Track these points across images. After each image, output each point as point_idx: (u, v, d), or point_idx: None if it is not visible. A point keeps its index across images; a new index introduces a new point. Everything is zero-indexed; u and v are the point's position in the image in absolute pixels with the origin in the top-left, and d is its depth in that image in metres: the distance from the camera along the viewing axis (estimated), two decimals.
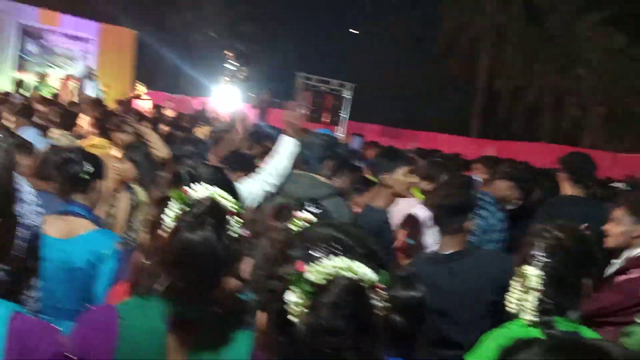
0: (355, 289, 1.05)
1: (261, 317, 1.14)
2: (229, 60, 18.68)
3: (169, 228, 1.50)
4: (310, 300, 1.04)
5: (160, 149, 3.92)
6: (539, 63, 24.74)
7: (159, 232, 1.52)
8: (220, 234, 1.49)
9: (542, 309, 2.04)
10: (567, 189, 4.51)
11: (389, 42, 26.93)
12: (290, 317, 1.05)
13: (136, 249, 1.71)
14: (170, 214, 1.51)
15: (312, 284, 1.05)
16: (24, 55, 16.83)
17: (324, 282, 1.05)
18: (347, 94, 18.13)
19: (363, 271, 1.06)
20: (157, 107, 14.33)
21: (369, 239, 1.16)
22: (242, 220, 1.57)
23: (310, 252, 1.09)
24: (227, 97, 17.25)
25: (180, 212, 1.50)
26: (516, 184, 4.95)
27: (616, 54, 23.33)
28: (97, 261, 2.75)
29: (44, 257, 2.02)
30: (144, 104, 14.99)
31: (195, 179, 1.60)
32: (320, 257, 1.07)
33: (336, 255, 1.08)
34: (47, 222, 2.67)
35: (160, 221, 1.52)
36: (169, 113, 13.44)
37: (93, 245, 2.77)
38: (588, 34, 23.67)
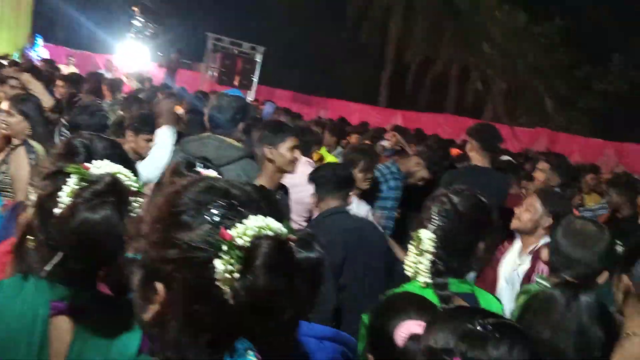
0: (280, 244, 1.03)
1: (160, 290, 1.05)
2: (135, 16, 17.87)
3: (65, 205, 1.39)
4: (242, 265, 0.99)
5: (46, 101, 3.73)
6: (447, 37, 25.42)
7: (53, 209, 1.41)
8: (121, 214, 1.41)
9: (435, 271, 2.10)
10: (476, 158, 4.70)
11: (302, 7, 26.71)
12: (219, 285, 0.99)
13: (23, 213, 1.59)
14: (67, 190, 1.40)
15: (240, 248, 1.00)
16: None
17: (249, 244, 1.01)
18: (258, 58, 17.90)
19: (277, 226, 1.05)
20: (49, 61, 11.86)
21: (261, 192, 1.13)
22: (142, 200, 1.49)
23: (215, 211, 1.05)
24: (133, 55, 16.56)
25: (79, 189, 1.40)
26: (426, 164, 5.24)
27: (518, 32, 24.36)
28: None
29: None
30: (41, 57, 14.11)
31: (90, 152, 1.51)
32: (234, 219, 1.04)
33: (247, 215, 1.04)
34: None
35: (54, 197, 1.41)
36: (71, 69, 12.70)
37: None
38: (493, 12, 24.52)
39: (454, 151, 7.96)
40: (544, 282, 2.40)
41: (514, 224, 3.59)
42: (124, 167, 1.49)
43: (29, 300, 1.43)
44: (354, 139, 7.92)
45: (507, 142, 12.99)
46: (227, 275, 0.99)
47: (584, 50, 22.85)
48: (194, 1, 24.27)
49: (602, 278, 2.44)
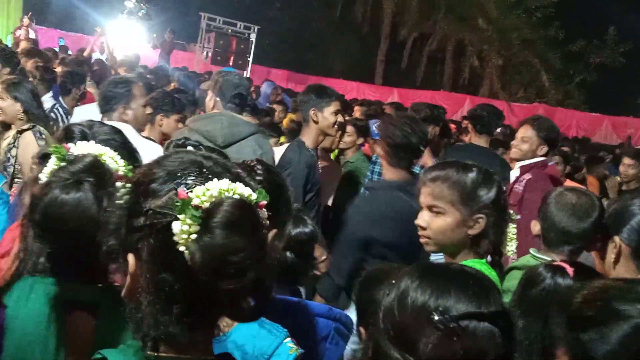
0: (245, 205, 1.02)
1: (130, 262, 1.05)
2: None
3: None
4: (199, 225, 0.98)
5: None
6: (442, 13, 25.24)
7: (34, 190, 1.36)
8: (100, 197, 1.32)
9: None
10: (473, 138, 4.91)
11: None
12: (178, 247, 0.98)
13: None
14: (46, 171, 1.35)
15: (198, 207, 0.99)
16: None
17: (208, 205, 1.00)
18: (252, 37, 17.78)
19: (244, 190, 1.03)
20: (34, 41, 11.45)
21: (232, 164, 1.13)
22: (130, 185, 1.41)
23: (185, 179, 1.04)
24: (126, 36, 16.40)
25: (56, 169, 1.34)
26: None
27: (512, 6, 24.22)
28: None
29: None
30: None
31: (88, 137, 1.46)
32: (197, 184, 1.03)
33: (216, 178, 1.04)
34: None
35: (37, 180, 1.37)
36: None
37: None
38: None
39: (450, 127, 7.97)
40: (541, 256, 2.43)
41: (513, 154, 3.98)
42: (125, 152, 1.44)
43: (40, 301, 1.38)
44: (357, 112, 7.90)
45: (504, 117, 12.99)
46: (184, 235, 0.97)
47: (578, 24, 22.77)
48: None
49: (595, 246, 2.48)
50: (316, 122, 3.58)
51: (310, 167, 3.54)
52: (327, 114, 3.57)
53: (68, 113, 5.20)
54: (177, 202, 0.99)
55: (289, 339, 1.49)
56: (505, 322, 1.17)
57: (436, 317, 1.13)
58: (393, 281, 1.26)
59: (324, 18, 26.93)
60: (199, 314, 1.05)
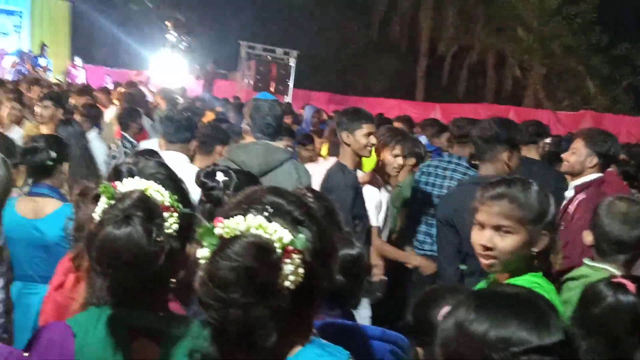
0: (260, 246, 1.04)
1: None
2: (169, 31, 18.17)
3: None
4: (213, 251, 1.06)
5: None
6: (480, 25, 25.09)
7: (90, 227, 1.45)
8: (149, 229, 1.40)
9: None
10: (525, 151, 4.77)
11: (330, 8, 26.68)
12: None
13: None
14: (98, 210, 1.43)
15: (219, 237, 1.05)
16: None
17: (227, 236, 1.05)
18: (292, 62, 17.99)
19: (277, 232, 1.06)
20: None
21: (304, 202, 1.17)
22: (177, 215, 1.46)
23: (235, 210, 1.09)
24: (169, 69, 16.83)
25: (107, 207, 1.42)
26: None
27: (551, 14, 23.88)
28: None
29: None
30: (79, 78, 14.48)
31: (134, 174, 1.51)
32: (238, 214, 1.07)
33: (258, 214, 1.07)
34: (18, 204, 2.93)
35: (92, 219, 1.45)
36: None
37: (63, 219, 2.77)
38: None
39: None
40: (597, 265, 2.39)
41: (564, 167, 3.87)
42: (170, 184, 1.50)
43: (106, 331, 1.44)
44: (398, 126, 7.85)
45: (551, 127, 12.76)
46: (202, 261, 1.07)
47: (621, 27, 22.28)
48: (222, 10, 24.48)
49: None
50: (348, 145, 3.66)
51: (355, 189, 3.60)
52: (359, 136, 3.62)
53: (135, 146, 5.40)
54: (206, 226, 1.08)
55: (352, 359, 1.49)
56: (567, 349, 1.13)
57: (495, 356, 1.10)
58: (450, 306, 1.25)
59: (361, 38, 27.07)
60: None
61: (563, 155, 3.90)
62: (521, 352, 1.09)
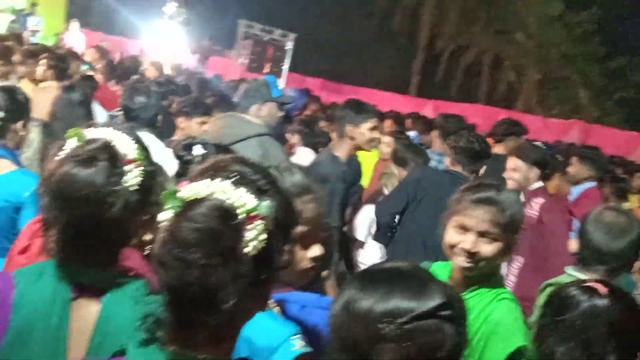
0: (224, 209, 1.06)
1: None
2: (167, 1, 17.96)
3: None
4: (176, 213, 1.07)
5: None
6: (480, 25, 25.05)
7: (50, 167, 1.44)
8: (109, 174, 1.40)
9: None
10: (497, 148, 4.98)
11: None
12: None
13: None
14: (63, 153, 1.43)
15: (182, 200, 1.07)
16: None
17: (189, 198, 1.07)
18: (289, 45, 17.87)
19: (241, 197, 1.07)
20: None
21: (269, 173, 1.18)
22: (139, 170, 1.45)
23: (201, 177, 1.11)
24: (165, 40, 16.65)
25: (73, 148, 1.43)
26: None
27: (552, 21, 23.89)
28: (17, 202, 2.62)
29: None
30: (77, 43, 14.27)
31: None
32: (203, 180, 1.09)
33: (223, 180, 1.09)
34: None
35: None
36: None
37: (12, 185, 2.63)
38: (528, 0, 24.08)
39: None
40: (576, 274, 2.39)
41: (510, 185, 3.83)
42: (140, 144, 1.50)
43: (48, 285, 1.42)
44: (388, 123, 7.85)
45: (539, 133, 12.82)
46: (164, 223, 1.08)
47: (619, 40, 22.34)
48: None
49: (636, 267, 2.44)
50: (352, 139, 3.64)
51: (347, 182, 3.63)
52: (364, 130, 3.62)
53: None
54: (169, 190, 1.08)
55: (297, 337, 1.49)
56: (450, 310, 1.17)
57: (383, 330, 1.14)
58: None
59: (362, 28, 26.91)
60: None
61: (505, 176, 3.90)
62: (407, 322, 1.13)
